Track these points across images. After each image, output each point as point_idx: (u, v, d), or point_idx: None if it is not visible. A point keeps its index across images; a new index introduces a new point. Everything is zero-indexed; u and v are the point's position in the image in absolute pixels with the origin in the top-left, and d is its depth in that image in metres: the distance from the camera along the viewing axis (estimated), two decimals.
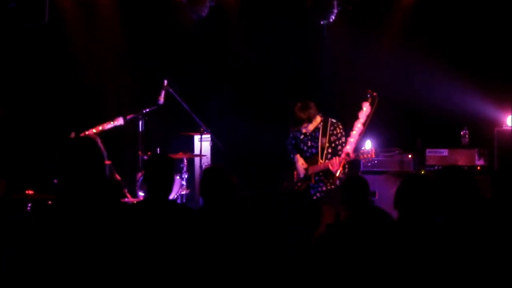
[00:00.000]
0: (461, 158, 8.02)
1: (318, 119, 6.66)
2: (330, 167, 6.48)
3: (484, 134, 8.21)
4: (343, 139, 6.63)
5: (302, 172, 6.74)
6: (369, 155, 6.53)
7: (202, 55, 9.28)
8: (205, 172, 4.67)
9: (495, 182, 4.19)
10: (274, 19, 9.04)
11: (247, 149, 9.06)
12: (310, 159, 6.72)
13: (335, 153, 6.59)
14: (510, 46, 8.22)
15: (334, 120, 6.69)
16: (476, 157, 8.00)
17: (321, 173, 6.63)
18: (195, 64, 9.26)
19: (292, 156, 6.85)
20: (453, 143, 8.18)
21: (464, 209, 3.98)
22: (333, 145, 6.59)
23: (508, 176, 4.14)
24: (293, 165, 6.86)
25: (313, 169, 6.65)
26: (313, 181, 6.68)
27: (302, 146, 6.80)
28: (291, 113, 6.61)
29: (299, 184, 6.78)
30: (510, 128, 8.11)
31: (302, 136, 6.78)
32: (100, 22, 9.05)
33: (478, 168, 7.94)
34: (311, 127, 6.65)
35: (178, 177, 7.82)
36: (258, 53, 9.17)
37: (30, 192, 6.77)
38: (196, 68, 9.27)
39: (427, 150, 8.10)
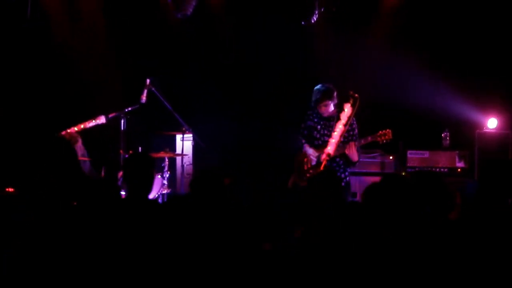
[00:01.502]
0: (442, 160, 8.14)
1: (335, 109, 6.83)
2: (347, 151, 6.62)
3: (465, 137, 8.34)
4: (356, 130, 6.82)
5: (314, 158, 6.85)
6: (386, 137, 6.68)
7: (187, 54, 9.29)
8: (197, 173, 4.71)
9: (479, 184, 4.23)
10: (259, 20, 9.06)
11: (231, 149, 9.11)
12: (322, 147, 6.81)
13: (348, 134, 6.75)
14: (491, 50, 8.35)
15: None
16: (457, 159, 8.11)
17: (336, 159, 6.75)
18: (180, 63, 9.28)
19: (300, 145, 6.95)
20: (434, 145, 8.29)
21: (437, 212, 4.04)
22: (346, 134, 6.72)
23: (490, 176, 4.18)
24: (297, 156, 6.96)
25: (333, 153, 6.73)
26: (322, 167, 6.71)
27: (315, 134, 6.91)
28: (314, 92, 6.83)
29: (311, 171, 6.79)
30: (491, 131, 8.26)
31: (315, 124, 6.90)
32: (84, 20, 9.01)
33: (459, 170, 8.07)
34: (327, 114, 6.82)
35: (159, 176, 7.84)
36: (244, 52, 9.21)
37: (10, 189, 6.76)
38: (181, 67, 9.29)
39: (408, 152, 8.19)
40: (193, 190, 4.52)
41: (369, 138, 6.73)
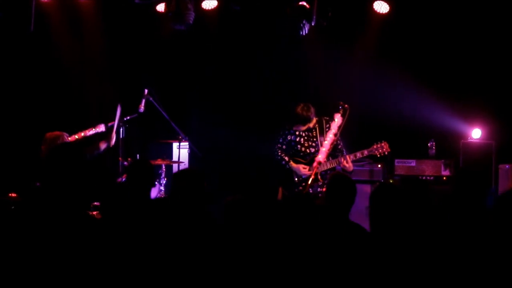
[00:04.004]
0: (428, 169, 8.29)
1: (314, 119, 6.95)
2: (344, 165, 6.73)
3: (450, 146, 8.52)
4: (342, 143, 6.95)
5: (307, 173, 6.88)
6: (384, 150, 6.83)
7: (183, 65, 9.49)
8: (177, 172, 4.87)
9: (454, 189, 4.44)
10: (253, 32, 9.31)
11: (226, 157, 9.29)
12: (308, 158, 6.91)
13: (336, 147, 6.88)
14: (476, 64, 8.55)
15: (327, 118, 6.96)
16: (442, 168, 8.26)
17: (328, 171, 6.83)
18: (177, 73, 9.48)
19: (284, 163, 6.97)
20: (421, 154, 8.44)
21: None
22: (334, 144, 6.86)
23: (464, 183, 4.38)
24: (287, 171, 7.00)
25: (321, 168, 6.80)
26: (321, 180, 6.79)
27: (298, 148, 6.97)
28: (291, 112, 6.90)
29: (303, 184, 6.84)
30: (475, 141, 8.42)
31: (297, 138, 6.97)
32: (84, 32, 9.24)
33: (444, 178, 8.21)
34: (306, 127, 6.92)
35: (156, 182, 8.05)
36: (236, 63, 9.42)
37: (13, 195, 6.90)
38: (178, 77, 9.50)
39: (396, 161, 8.35)
40: (173, 186, 4.66)
41: (365, 152, 6.87)
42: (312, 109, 6.93)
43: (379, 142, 6.89)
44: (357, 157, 6.91)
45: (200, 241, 4.23)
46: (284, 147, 7.07)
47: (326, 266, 3.91)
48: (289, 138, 7.05)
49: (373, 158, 8.02)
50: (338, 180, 4.75)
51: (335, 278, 3.88)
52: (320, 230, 4.18)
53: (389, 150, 6.88)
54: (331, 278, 3.88)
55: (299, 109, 6.88)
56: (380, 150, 6.87)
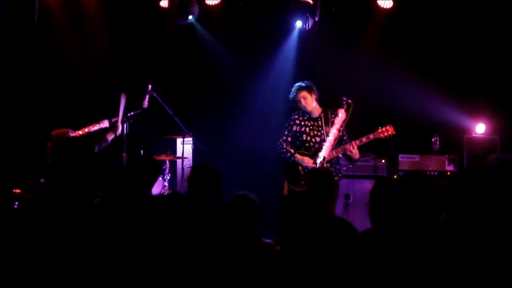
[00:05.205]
0: (432, 164, 8.29)
1: (319, 109, 6.98)
2: (351, 150, 6.74)
3: (454, 141, 8.52)
4: (346, 135, 6.94)
5: (312, 165, 6.83)
6: (389, 132, 6.83)
7: (186, 60, 9.49)
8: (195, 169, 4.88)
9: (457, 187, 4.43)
10: (256, 26, 9.32)
11: (229, 152, 9.30)
12: (314, 149, 6.90)
13: (341, 139, 6.88)
14: (480, 59, 8.56)
15: (332, 109, 6.98)
16: (446, 163, 8.26)
17: (333, 160, 6.87)
18: (180, 69, 9.47)
19: (289, 155, 6.92)
20: (425, 149, 8.46)
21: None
22: (339, 139, 6.86)
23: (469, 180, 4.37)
24: (292, 165, 6.97)
25: (327, 156, 6.79)
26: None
27: (304, 138, 6.95)
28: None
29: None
30: (479, 136, 8.44)
31: (303, 128, 6.97)
32: (87, 27, 9.23)
33: (448, 173, 8.21)
34: (310, 108, 6.95)
35: (160, 178, 8.05)
36: (239, 58, 9.40)
37: (17, 191, 6.92)
38: (181, 72, 9.48)
39: (400, 156, 8.34)
40: (190, 184, 4.72)
41: (371, 136, 6.86)
42: (314, 89, 6.98)
43: (383, 126, 6.89)
44: (363, 142, 6.88)
45: (198, 237, 4.25)
46: (289, 139, 7.03)
47: (311, 260, 3.92)
48: (294, 129, 7.03)
49: (377, 153, 8.04)
50: (316, 175, 4.87)
51: (317, 273, 3.89)
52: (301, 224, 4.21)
53: (394, 132, 6.86)
54: (311, 273, 3.89)
55: (298, 87, 6.97)
56: (385, 133, 6.86)
